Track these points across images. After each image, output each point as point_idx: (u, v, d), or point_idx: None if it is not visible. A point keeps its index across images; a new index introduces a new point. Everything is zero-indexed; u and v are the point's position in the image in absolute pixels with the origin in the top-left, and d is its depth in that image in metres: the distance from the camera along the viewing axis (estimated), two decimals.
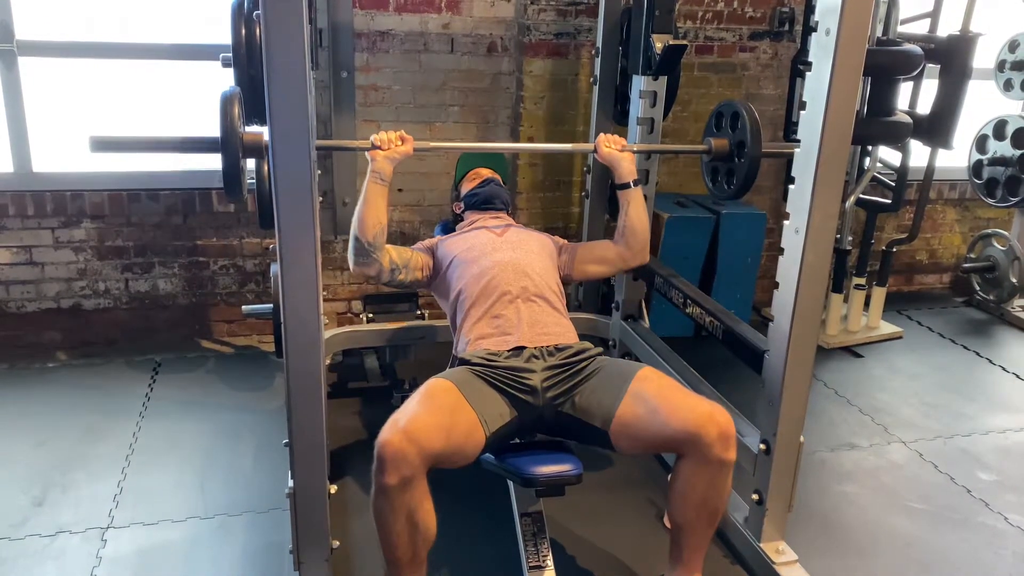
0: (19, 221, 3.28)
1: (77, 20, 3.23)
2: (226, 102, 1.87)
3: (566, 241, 2.62)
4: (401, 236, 3.63)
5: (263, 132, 1.84)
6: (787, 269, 2.06)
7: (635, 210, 2.48)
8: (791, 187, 2.02)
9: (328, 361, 3.18)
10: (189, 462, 2.72)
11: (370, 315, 3.17)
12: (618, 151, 2.49)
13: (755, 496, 2.26)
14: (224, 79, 2.24)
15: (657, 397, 1.99)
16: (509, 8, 3.49)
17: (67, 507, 2.47)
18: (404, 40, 3.41)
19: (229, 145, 1.83)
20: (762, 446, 2.21)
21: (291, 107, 1.66)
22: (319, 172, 3.11)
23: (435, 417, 1.88)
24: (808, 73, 1.94)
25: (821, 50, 1.89)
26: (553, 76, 3.54)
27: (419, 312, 3.22)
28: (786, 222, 2.05)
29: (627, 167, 2.48)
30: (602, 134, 2.52)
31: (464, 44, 3.48)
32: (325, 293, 3.44)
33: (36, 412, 2.97)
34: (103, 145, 1.96)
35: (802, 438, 2.19)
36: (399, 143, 2.29)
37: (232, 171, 1.86)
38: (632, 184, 2.47)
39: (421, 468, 1.81)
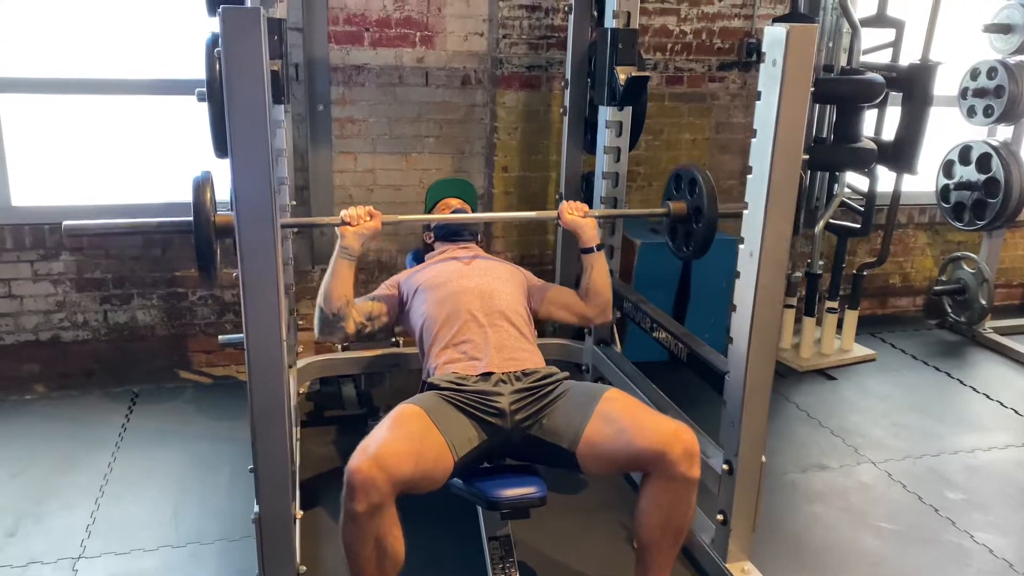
0: None
1: (56, 54, 3.29)
2: (198, 188, 1.95)
3: (539, 279, 2.66)
4: (379, 264, 3.68)
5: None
6: (743, 291, 2.12)
7: (598, 273, 2.52)
8: (745, 212, 2.08)
9: (304, 390, 3.20)
10: (163, 492, 2.73)
11: (345, 343, 3.20)
12: (581, 217, 2.54)
13: (720, 516, 2.29)
14: (200, 113, 2.31)
15: (623, 417, 2.03)
16: (482, 42, 3.57)
17: (40, 537, 2.47)
18: (379, 74, 3.49)
19: (201, 230, 1.91)
20: (725, 466, 2.24)
21: (251, 141, 1.71)
22: (295, 203, 3.17)
23: (404, 443, 1.90)
24: (758, 102, 2.01)
25: (769, 80, 1.97)
26: (526, 107, 3.62)
27: (394, 339, 3.25)
28: (741, 246, 2.11)
29: (590, 233, 2.54)
30: (565, 202, 2.58)
31: (438, 77, 3.56)
32: (301, 322, 3.47)
33: (12, 444, 2.98)
34: (77, 231, 2.05)
35: (764, 457, 2.23)
36: (368, 219, 2.34)
37: (205, 254, 1.95)
38: (595, 249, 2.53)
39: (390, 495, 1.84)
